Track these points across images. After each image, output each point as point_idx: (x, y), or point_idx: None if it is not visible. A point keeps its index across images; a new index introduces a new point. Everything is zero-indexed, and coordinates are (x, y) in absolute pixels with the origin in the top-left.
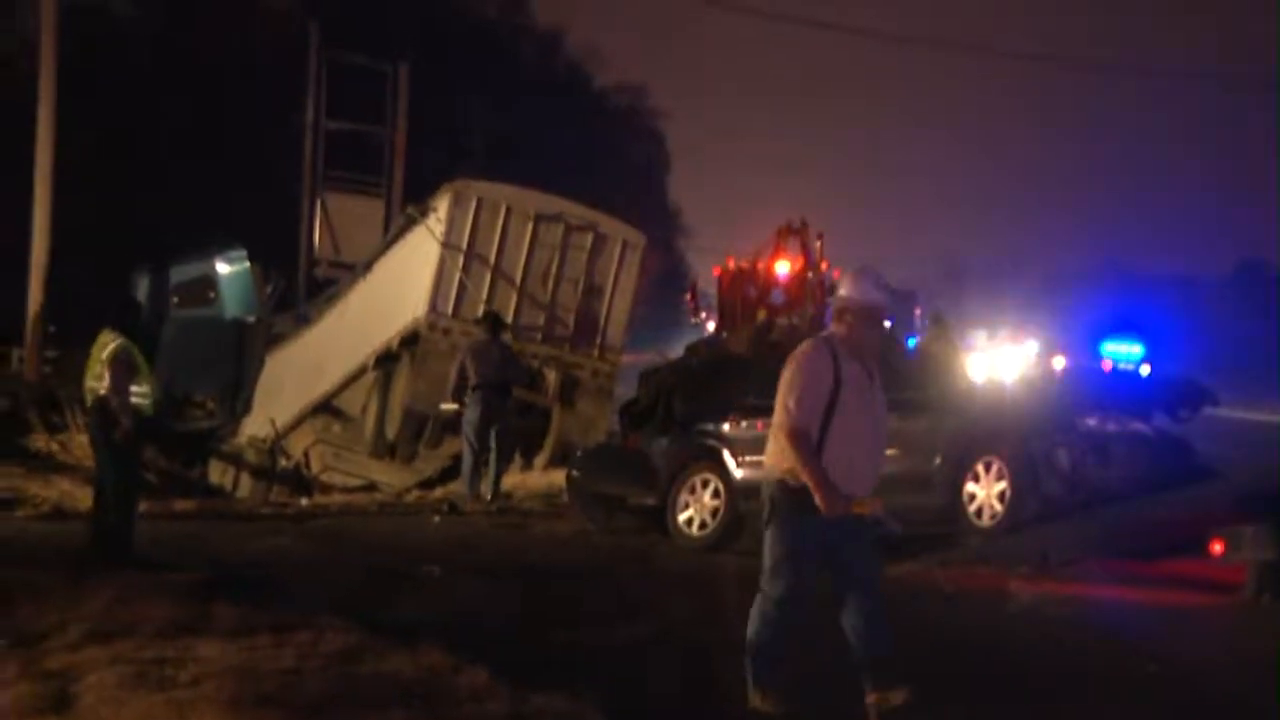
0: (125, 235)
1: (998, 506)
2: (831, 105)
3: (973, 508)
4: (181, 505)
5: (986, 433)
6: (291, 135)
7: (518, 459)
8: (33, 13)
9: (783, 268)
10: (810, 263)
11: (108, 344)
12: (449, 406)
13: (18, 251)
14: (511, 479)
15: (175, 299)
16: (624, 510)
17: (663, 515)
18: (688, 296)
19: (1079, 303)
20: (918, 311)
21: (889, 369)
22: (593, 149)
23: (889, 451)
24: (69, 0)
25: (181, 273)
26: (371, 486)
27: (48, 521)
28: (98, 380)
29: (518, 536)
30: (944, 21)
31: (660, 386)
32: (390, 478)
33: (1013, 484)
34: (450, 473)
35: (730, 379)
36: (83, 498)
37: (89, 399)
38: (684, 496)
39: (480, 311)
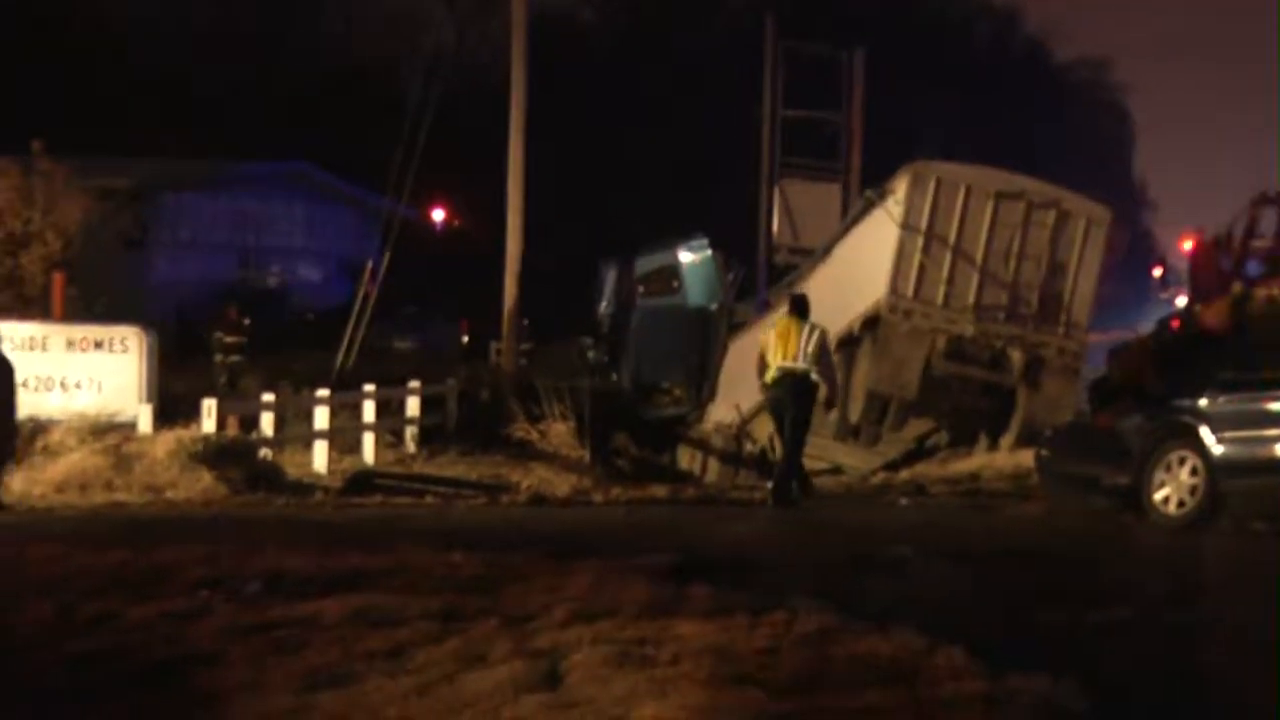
0: (590, 230)
1: None
2: None
3: None
4: (654, 490)
5: None
6: (749, 125)
7: (983, 440)
8: (504, 23)
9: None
10: None
11: (809, 332)
12: None
13: (494, 251)
14: (978, 460)
15: (641, 289)
16: (1096, 490)
17: (1137, 494)
18: (1156, 271)
19: None
20: None
21: None
22: (1053, 125)
23: None
24: (537, 9)
25: (647, 263)
26: (836, 470)
27: (528, 507)
28: (805, 362)
29: (987, 518)
30: None
31: (1131, 363)
32: (854, 461)
33: None
34: (914, 455)
35: (1206, 353)
36: (559, 484)
37: (778, 375)
38: (1159, 475)
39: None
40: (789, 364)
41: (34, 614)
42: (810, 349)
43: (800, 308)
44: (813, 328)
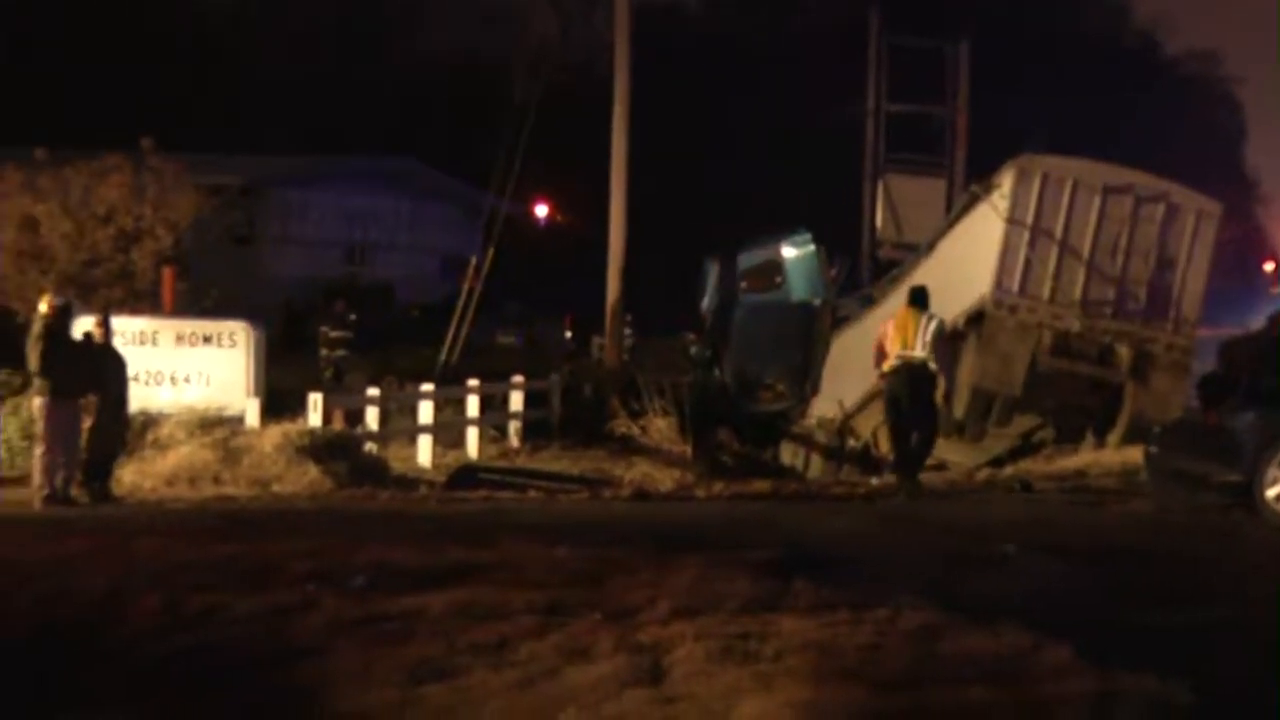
0: (694, 224)
1: None
2: None
3: None
4: (757, 486)
5: None
6: (852, 119)
7: (1090, 436)
8: (609, 16)
9: None
10: None
11: (926, 321)
12: None
13: (597, 244)
14: (1085, 457)
15: (744, 284)
16: (1205, 488)
17: (1248, 492)
18: (1268, 266)
19: None
20: None
21: None
22: (1163, 118)
23: None
24: (641, 2)
25: (749, 258)
26: (940, 466)
27: (631, 502)
28: (922, 351)
29: (1093, 515)
30: None
31: (1243, 358)
32: (959, 457)
33: None
34: (1020, 451)
35: None
36: (662, 479)
37: (897, 364)
38: (1272, 472)
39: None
40: (907, 353)
41: (143, 606)
42: (928, 338)
43: (920, 299)
44: (930, 317)
